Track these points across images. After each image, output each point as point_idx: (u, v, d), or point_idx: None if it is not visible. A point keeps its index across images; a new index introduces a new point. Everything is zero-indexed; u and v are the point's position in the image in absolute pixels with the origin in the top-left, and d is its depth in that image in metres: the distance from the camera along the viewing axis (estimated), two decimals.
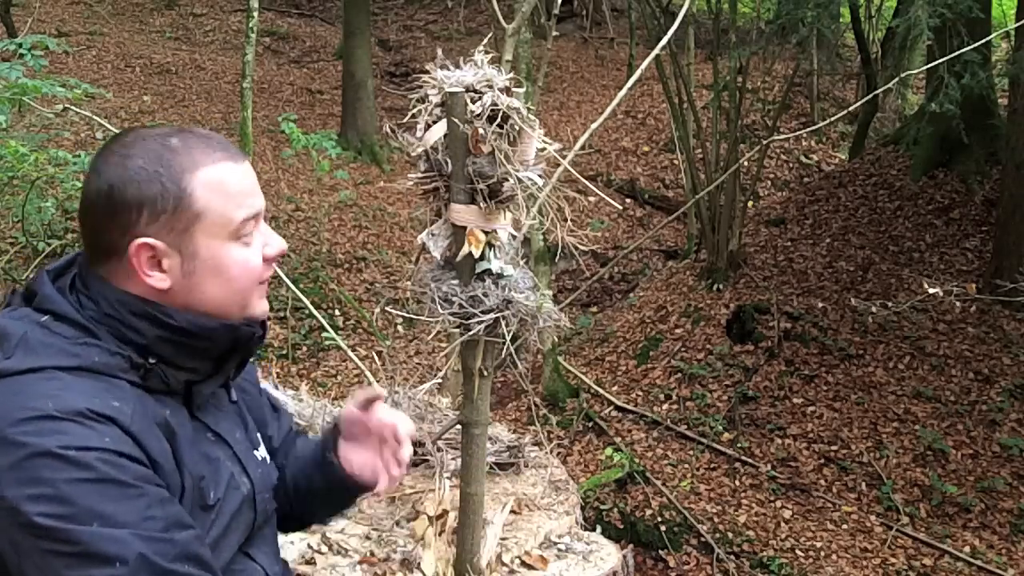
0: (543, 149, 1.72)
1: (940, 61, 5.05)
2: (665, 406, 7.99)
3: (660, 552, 6.60)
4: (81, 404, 1.13)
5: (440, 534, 2.13)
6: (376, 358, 4.92)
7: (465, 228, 1.73)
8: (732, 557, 6.43)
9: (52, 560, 1.09)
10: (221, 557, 1.29)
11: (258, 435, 1.47)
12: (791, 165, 13.26)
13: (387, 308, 8.95)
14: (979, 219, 9.58)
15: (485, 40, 1.98)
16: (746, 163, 9.90)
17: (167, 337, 1.24)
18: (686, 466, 7.34)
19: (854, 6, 11.03)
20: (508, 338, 1.76)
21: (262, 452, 1.45)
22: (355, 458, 1.53)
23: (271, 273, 1.34)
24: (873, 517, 6.79)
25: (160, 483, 1.17)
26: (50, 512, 1.09)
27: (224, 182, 1.25)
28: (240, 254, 1.27)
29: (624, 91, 3.29)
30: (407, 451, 1.52)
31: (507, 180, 1.67)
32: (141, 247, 1.22)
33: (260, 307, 1.34)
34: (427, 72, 1.66)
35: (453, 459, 2.44)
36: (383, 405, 1.53)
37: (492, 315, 1.75)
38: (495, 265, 1.75)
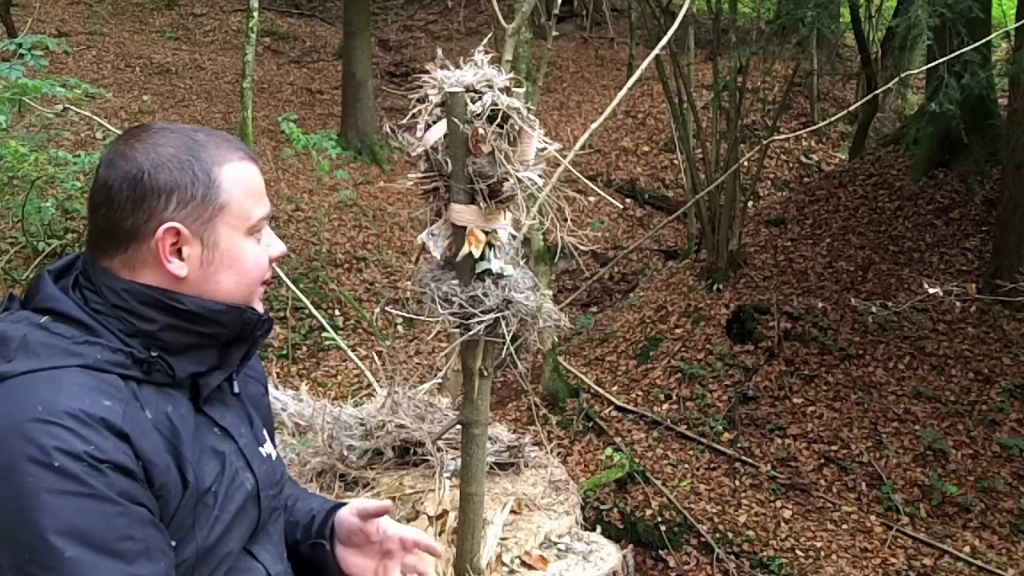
0: (543, 149, 1.72)
1: (940, 61, 5.05)
2: (665, 406, 7.99)
3: (660, 552, 6.60)
4: (71, 405, 1.13)
5: (440, 534, 2.13)
6: (376, 358, 4.91)
7: (465, 228, 1.73)
8: (732, 557, 6.43)
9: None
10: (223, 552, 1.29)
11: (264, 432, 1.47)
12: (791, 165, 13.26)
13: (387, 308, 8.94)
14: (979, 219, 9.58)
15: (485, 40, 1.98)
16: (746, 163, 9.90)
17: (175, 324, 1.25)
18: (686, 466, 7.34)
19: (854, 6, 11.03)
20: (508, 338, 1.76)
21: (268, 448, 1.45)
22: (353, 561, 1.52)
23: (270, 274, 1.38)
24: (873, 517, 6.79)
25: (144, 502, 1.16)
26: (34, 524, 1.08)
27: (247, 178, 1.31)
28: (253, 250, 1.32)
29: (624, 91, 3.29)
30: (427, 566, 1.51)
31: (507, 180, 1.67)
32: (168, 231, 1.24)
33: (259, 307, 1.37)
34: (427, 72, 1.66)
35: (453, 459, 2.44)
36: (388, 519, 1.51)
37: (492, 315, 1.75)
38: (495, 265, 1.75)
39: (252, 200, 1.31)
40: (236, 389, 1.41)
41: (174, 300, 1.25)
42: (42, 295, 1.25)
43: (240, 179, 1.30)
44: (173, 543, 1.20)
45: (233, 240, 1.29)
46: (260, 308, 1.37)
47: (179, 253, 1.26)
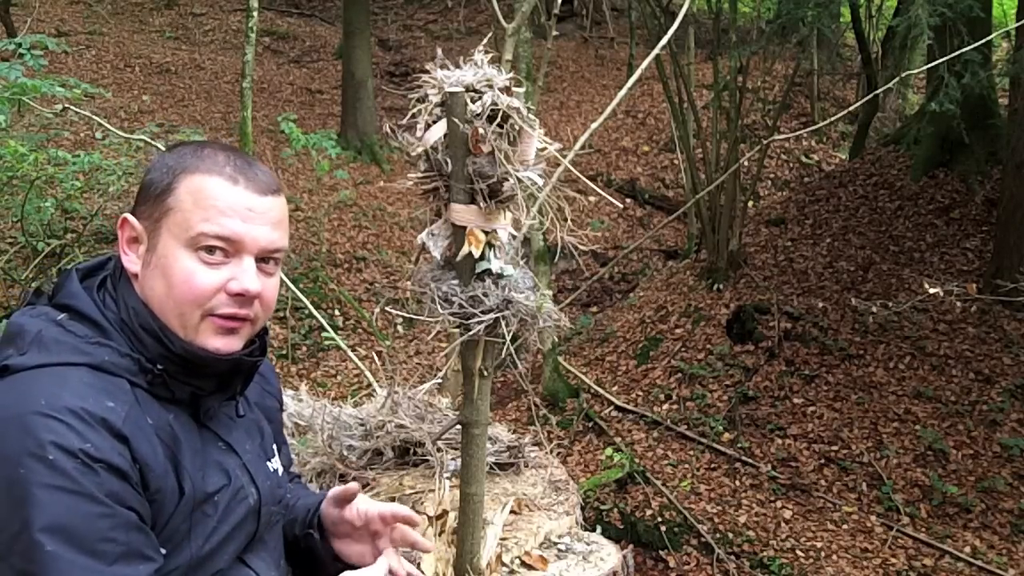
0: (543, 149, 1.72)
1: (940, 61, 5.04)
2: (665, 406, 7.99)
3: (660, 552, 6.59)
4: (73, 402, 1.14)
5: (440, 534, 2.12)
6: (376, 358, 4.92)
7: (465, 228, 1.72)
8: (732, 557, 6.42)
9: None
10: (218, 564, 1.29)
11: (274, 446, 1.47)
12: (791, 165, 13.26)
13: (387, 308, 8.94)
14: (979, 219, 9.57)
15: (485, 40, 1.97)
16: (746, 163, 9.90)
17: (168, 356, 1.26)
18: (686, 466, 7.33)
19: (854, 6, 11.03)
20: (508, 338, 1.76)
21: (275, 463, 1.45)
22: (350, 551, 1.53)
23: (233, 311, 1.28)
24: (873, 517, 6.79)
25: (133, 506, 1.16)
26: (22, 516, 1.09)
27: (206, 192, 1.26)
28: (188, 265, 1.25)
29: (624, 91, 3.29)
30: (416, 535, 1.49)
31: (507, 180, 1.67)
32: (123, 221, 1.29)
33: (210, 341, 1.27)
34: (427, 72, 1.66)
35: (453, 459, 2.44)
36: (362, 498, 1.51)
37: (492, 315, 1.75)
38: (495, 265, 1.75)
39: (201, 214, 1.25)
40: (241, 412, 1.41)
41: (167, 339, 1.25)
42: (64, 292, 1.28)
43: (197, 190, 1.26)
44: (164, 551, 1.20)
45: (170, 248, 1.26)
46: (210, 343, 1.27)
47: (137, 249, 1.30)
